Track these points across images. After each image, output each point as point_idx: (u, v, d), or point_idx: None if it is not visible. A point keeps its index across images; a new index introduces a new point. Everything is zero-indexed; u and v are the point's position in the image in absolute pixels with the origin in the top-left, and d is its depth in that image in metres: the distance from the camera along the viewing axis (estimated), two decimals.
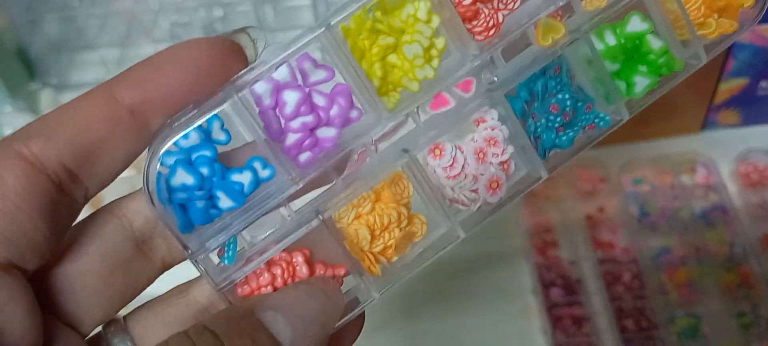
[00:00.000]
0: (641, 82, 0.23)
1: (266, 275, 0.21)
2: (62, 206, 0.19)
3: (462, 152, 0.21)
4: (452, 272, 0.51)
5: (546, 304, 0.49)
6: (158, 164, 0.20)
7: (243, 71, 0.20)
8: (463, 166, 0.21)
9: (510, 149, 0.21)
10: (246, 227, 0.21)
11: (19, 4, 0.65)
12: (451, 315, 0.50)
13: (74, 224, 0.21)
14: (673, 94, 0.54)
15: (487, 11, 0.21)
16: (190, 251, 0.20)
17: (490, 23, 0.20)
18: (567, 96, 0.22)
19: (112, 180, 0.21)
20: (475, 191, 0.22)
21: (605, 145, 0.57)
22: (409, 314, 0.46)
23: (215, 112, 0.20)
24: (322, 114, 0.20)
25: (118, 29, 0.69)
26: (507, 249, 0.53)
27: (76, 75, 0.69)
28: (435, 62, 0.20)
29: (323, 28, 0.20)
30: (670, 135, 0.58)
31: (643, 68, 0.23)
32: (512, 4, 0.21)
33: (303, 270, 0.21)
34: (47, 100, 0.61)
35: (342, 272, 0.22)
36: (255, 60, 0.20)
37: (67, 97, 0.63)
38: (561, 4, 0.21)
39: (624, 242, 0.52)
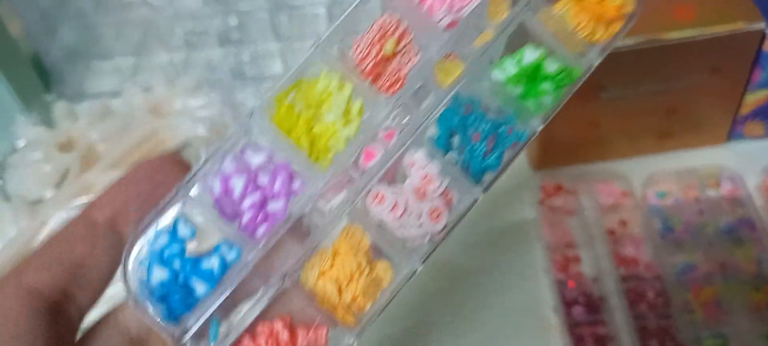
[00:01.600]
0: (547, 98, 0.26)
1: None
2: (61, 324, 0.22)
3: (402, 194, 0.24)
4: (469, 289, 0.51)
5: (567, 322, 0.48)
6: (135, 267, 0.23)
7: (193, 172, 0.24)
8: (405, 207, 0.24)
9: (445, 181, 0.24)
10: (223, 305, 0.24)
11: (33, 12, 0.66)
12: (468, 333, 0.49)
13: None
14: (697, 106, 0.54)
15: (390, 69, 0.25)
16: (179, 341, 0.23)
17: (395, 79, 0.24)
18: (486, 125, 0.25)
19: (104, 290, 0.24)
20: (421, 226, 0.24)
21: (628, 158, 0.56)
22: (424, 333, 0.46)
23: (176, 213, 0.23)
24: (268, 191, 0.24)
25: (134, 37, 0.69)
26: (526, 265, 0.52)
27: (91, 84, 0.70)
28: (355, 123, 0.24)
29: (255, 116, 0.24)
30: (695, 147, 0.57)
31: (546, 86, 0.25)
32: (413, 58, 0.25)
33: (284, 336, 0.24)
34: (61, 112, 0.61)
35: (323, 332, 0.24)
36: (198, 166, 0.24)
37: (82, 107, 0.64)
38: (453, 51, 0.24)
39: (647, 258, 0.51)
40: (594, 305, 0.49)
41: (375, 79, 0.25)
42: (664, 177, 0.55)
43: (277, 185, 0.24)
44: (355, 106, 0.24)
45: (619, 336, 0.47)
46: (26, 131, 0.60)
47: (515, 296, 0.51)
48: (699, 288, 0.48)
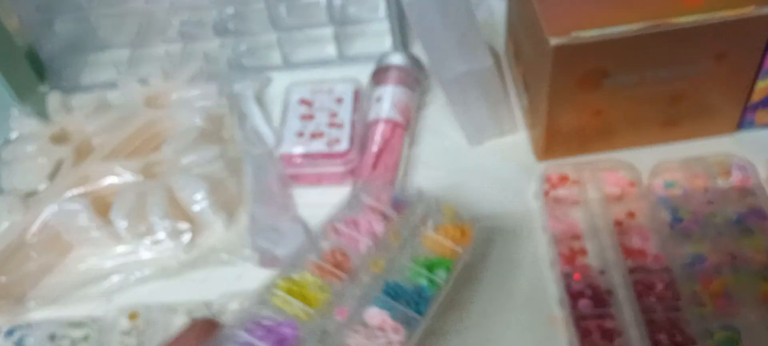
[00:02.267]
0: (440, 274, 0.45)
1: None
2: None
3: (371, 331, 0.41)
4: (474, 282, 0.50)
5: (574, 316, 0.46)
6: None
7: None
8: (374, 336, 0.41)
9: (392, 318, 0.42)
10: None
11: (29, 5, 0.65)
12: (473, 326, 0.48)
13: None
14: (705, 93, 0.53)
15: (344, 266, 0.43)
16: None
17: (346, 268, 0.43)
18: (413, 292, 0.43)
19: None
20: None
21: (635, 148, 0.55)
22: (429, 326, 0.45)
23: None
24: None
25: (130, 29, 0.68)
26: (531, 257, 0.51)
27: (87, 76, 0.69)
28: (326, 295, 0.41)
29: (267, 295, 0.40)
30: (703, 136, 0.56)
31: (439, 271, 0.45)
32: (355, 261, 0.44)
33: None
34: (55, 104, 0.60)
35: None
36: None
37: (75, 99, 0.63)
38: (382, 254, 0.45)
39: (655, 249, 0.50)
40: (601, 298, 0.48)
41: (337, 267, 0.43)
42: (671, 166, 0.54)
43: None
44: (325, 288, 0.42)
45: (627, 330, 0.46)
46: (20, 123, 0.60)
47: (520, 289, 0.50)
48: (708, 280, 0.47)
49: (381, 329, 0.41)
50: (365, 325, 0.41)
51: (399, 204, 0.47)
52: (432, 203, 0.48)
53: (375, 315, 0.41)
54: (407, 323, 0.41)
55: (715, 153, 0.53)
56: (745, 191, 0.52)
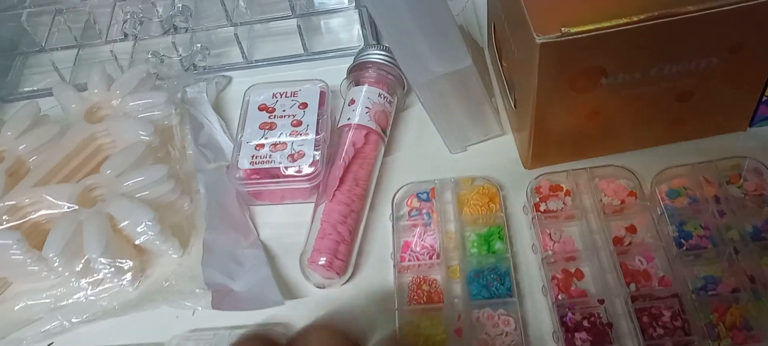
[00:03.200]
0: (498, 246, 0.47)
1: None
2: None
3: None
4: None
5: None
6: None
7: None
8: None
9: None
10: None
11: None
12: None
13: None
14: (715, 89, 0.46)
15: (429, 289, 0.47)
16: None
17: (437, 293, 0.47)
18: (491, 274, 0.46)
19: None
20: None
21: (634, 150, 0.49)
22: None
23: None
24: None
25: (73, 29, 0.61)
26: (520, 282, 0.46)
27: (27, 83, 0.62)
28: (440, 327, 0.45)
29: None
30: (713, 134, 0.50)
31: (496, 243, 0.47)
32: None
33: None
34: None
35: None
36: None
37: (9, 113, 0.56)
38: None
39: (661, 271, 0.44)
40: (600, 332, 0.42)
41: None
42: (677, 173, 0.48)
43: None
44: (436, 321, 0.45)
45: None
46: None
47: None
48: (724, 308, 0.42)
49: (494, 325, 0.43)
50: (482, 327, 0.44)
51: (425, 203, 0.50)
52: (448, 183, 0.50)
53: (482, 317, 0.44)
54: (505, 306, 0.44)
55: (725, 155, 0.47)
56: (761, 199, 0.46)
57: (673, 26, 0.41)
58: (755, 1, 0.41)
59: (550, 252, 0.46)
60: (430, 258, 0.47)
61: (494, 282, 0.45)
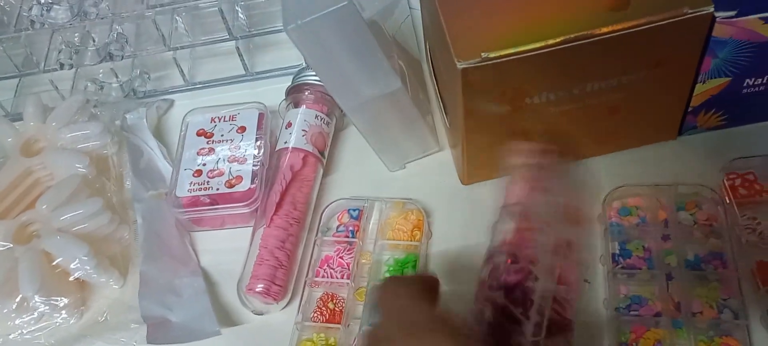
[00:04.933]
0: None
1: None
2: None
3: None
4: None
5: None
6: None
7: None
8: None
9: None
10: None
11: None
12: None
13: None
14: (642, 102, 0.48)
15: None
16: None
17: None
18: None
19: None
20: None
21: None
22: None
23: None
24: None
25: (12, 58, 0.62)
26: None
27: None
28: None
29: None
30: (644, 144, 0.52)
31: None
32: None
33: None
34: None
35: None
36: None
37: None
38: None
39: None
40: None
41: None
42: (634, 191, 0.49)
43: None
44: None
45: None
46: None
47: None
48: (643, 329, 0.43)
49: None
50: None
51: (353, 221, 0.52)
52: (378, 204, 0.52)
53: None
54: None
55: (689, 183, 0.49)
56: (709, 230, 0.47)
57: (590, 47, 0.43)
58: (665, 21, 0.42)
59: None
60: (342, 277, 0.49)
61: None
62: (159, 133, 0.60)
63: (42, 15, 0.56)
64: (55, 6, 0.56)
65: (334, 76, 0.47)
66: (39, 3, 0.56)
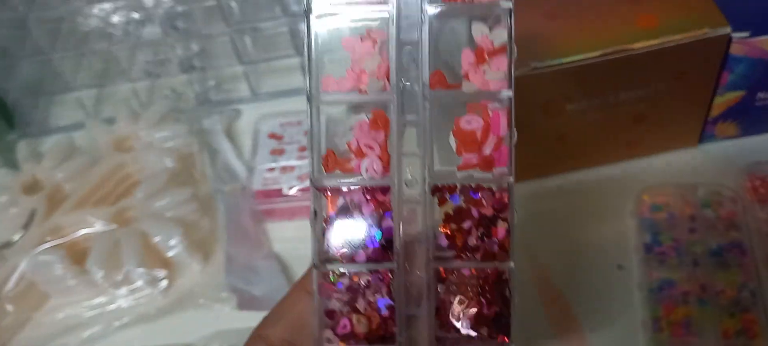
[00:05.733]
0: None
1: None
2: None
3: None
4: None
5: None
6: None
7: None
8: None
9: None
10: None
11: None
12: None
13: None
14: (666, 111, 0.56)
15: None
16: None
17: None
18: None
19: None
20: None
21: (596, 167, 0.58)
22: None
23: None
24: None
25: (94, 69, 0.71)
26: None
27: (54, 120, 0.71)
28: None
29: None
30: (667, 151, 0.59)
31: None
32: None
33: None
34: (25, 152, 0.63)
35: None
36: None
37: (45, 145, 0.65)
38: None
39: None
40: None
41: None
42: (664, 191, 0.56)
43: None
44: None
45: None
46: None
47: None
48: (672, 306, 0.50)
49: None
50: None
51: None
52: None
53: None
54: None
55: (710, 182, 0.56)
56: (730, 224, 0.54)
57: (624, 60, 0.51)
58: (689, 40, 0.50)
59: None
60: None
61: None
62: (229, 138, 0.68)
63: (135, 29, 0.65)
64: (148, 23, 0.64)
65: None
66: (134, 20, 0.65)
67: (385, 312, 0.33)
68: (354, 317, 0.33)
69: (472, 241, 0.33)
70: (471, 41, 0.33)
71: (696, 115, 0.57)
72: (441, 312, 0.33)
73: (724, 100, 0.56)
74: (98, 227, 0.56)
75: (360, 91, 0.32)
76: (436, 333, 0.33)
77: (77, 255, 0.57)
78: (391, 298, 0.33)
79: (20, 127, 0.69)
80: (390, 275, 0.33)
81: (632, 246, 0.55)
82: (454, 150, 0.33)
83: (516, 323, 0.33)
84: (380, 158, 0.32)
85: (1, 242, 0.59)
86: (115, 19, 0.65)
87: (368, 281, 0.33)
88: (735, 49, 0.52)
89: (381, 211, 0.32)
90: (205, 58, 0.68)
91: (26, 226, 0.59)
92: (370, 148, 0.32)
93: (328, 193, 0.33)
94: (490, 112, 0.33)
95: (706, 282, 0.51)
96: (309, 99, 0.33)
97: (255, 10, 0.67)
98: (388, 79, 0.32)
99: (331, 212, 0.33)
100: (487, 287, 0.33)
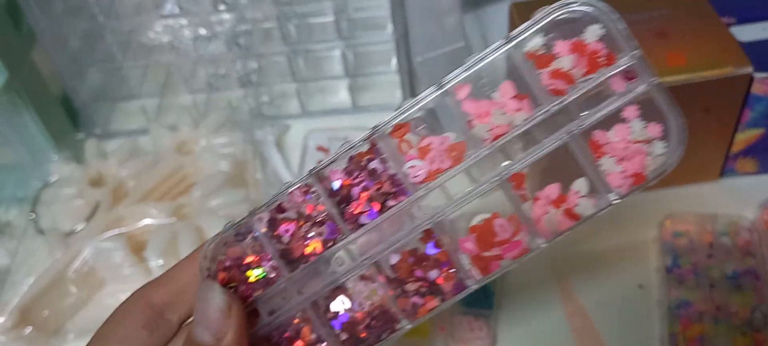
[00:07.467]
0: None
1: None
2: (162, 324, 0.35)
3: None
4: None
5: None
6: None
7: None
8: None
9: None
10: None
11: (64, 56, 0.75)
12: None
13: None
14: (691, 144, 0.61)
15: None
16: None
17: None
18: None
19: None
20: None
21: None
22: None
23: None
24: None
25: (158, 79, 0.78)
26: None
27: (118, 123, 0.78)
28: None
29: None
30: (690, 183, 0.64)
31: None
32: None
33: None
34: (92, 150, 0.70)
35: None
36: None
37: (110, 145, 0.72)
38: None
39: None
40: None
41: None
42: (686, 219, 0.61)
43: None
44: None
45: None
46: (58, 168, 0.69)
47: None
48: (689, 323, 0.55)
49: (470, 330, 0.54)
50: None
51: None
52: None
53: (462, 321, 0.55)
54: (485, 318, 0.55)
55: (729, 213, 0.61)
56: (746, 252, 0.60)
57: None
58: (714, 77, 0.56)
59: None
60: None
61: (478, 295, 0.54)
62: (280, 148, 0.74)
63: (202, 45, 0.72)
64: (214, 39, 0.71)
65: None
66: (201, 36, 0.72)
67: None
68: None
69: (413, 285, 0.34)
70: None
71: (718, 150, 0.63)
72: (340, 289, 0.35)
73: (744, 137, 0.61)
74: (158, 219, 0.63)
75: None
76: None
77: (136, 245, 0.63)
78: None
79: (86, 129, 0.76)
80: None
81: (653, 267, 0.60)
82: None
83: None
84: (429, 173, 0.33)
85: (66, 230, 0.65)
86: (186, 33, 0.72)
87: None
88: (756, 88, 0.58)
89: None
90: (261, 74, 0.75)
91: (90, 217, 0.65)
92: (433, 159, 0.33)
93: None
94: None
95: (721, 303, 0.56)
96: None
97: (309, 33, 0.74)
98: (495, 139, 0.33)
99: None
100: (377, 314, 0.34)
